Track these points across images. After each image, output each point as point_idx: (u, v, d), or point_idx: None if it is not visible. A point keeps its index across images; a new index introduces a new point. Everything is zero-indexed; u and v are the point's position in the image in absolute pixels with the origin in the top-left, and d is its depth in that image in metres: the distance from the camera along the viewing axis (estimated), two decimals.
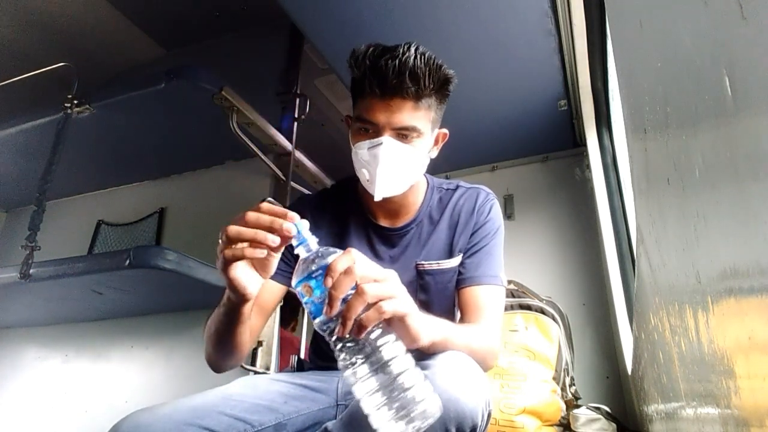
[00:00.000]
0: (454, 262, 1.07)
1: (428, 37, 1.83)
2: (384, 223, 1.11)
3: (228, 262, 0.71)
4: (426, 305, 1.08)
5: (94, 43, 2.88)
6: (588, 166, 2.24)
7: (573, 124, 2.37)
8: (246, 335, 0.89)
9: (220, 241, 0.72)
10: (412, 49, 0.92)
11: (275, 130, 2.31)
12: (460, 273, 1.07)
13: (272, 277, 1.04)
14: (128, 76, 3.02)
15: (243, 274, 0.73)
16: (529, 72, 2.04)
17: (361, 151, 0.98)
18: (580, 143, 2.45)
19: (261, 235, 0.69)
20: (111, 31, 2.85)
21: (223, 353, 0.91)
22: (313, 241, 0.70)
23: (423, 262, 1.08)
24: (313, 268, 0.67)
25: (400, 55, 0.91)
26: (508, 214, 2.57)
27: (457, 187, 1.14)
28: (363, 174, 1.00)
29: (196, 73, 2.02)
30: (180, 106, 2.16)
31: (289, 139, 2.36)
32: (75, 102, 2.06)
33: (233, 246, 0.70)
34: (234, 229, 0.70)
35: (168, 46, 3.04)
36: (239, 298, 0.77)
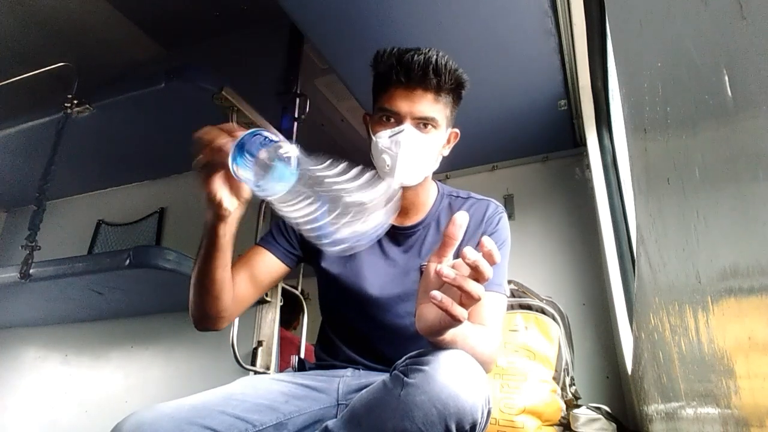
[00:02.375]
0: None
1: (428, 37, 1.83)
2: (393, 221, 1.12)
3: (203, 175, 0.75)
4: None
5: (94, 43, 2.88)
6: (588, 166, 2.24)
7: (573, 124, 2.37)
8: (225, 281, 0.91)
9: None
10: (434, 50, 1.02)
11: (275, 130, 2.31)
12: None
13: (272, 252, 1.09)
14: (128, 75, 3.02)
15: (219, 189, 0.76)
16: (529, 72, 2.04)
17: (381, 139, 1.04)
18: (580, 143, 2.45)
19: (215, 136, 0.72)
20: (111, 30, 2.85)
21: (203, 298, 0.93)
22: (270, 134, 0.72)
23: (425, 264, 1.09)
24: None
25: (424, 53, 1.01)
26: (508, 214, 2.56)
27: (469, 197, 1.19)
28: (383, 161, 1.04)
29: (196, 73, 2.02)
30: (180, 106, 2.16)
31: (289, 139, 2.35)
32: (75, 102, 2.06)
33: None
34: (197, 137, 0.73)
35: (168, 45, 3.04)
36: (215, 216, 0.80)
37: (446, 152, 1.14)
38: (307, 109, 2.43)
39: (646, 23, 0.58)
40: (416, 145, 1.02)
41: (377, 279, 1.10)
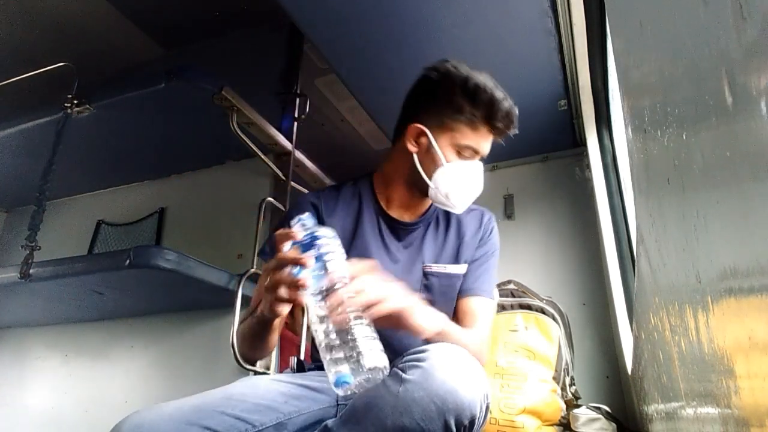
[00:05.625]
0: (459, 269, 1.15)
1: (428, 37, 1.83)
2: (394, 214, 1.17)
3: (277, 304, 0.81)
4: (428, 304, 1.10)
5: (94, 43, 2.88)
6: (588, 166, 2.24)
7: (573, 123, 2.36)
8: (275, 338, 1.02)
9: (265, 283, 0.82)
10: (502, 92, 1.11)
11: (275, 130, 2.31)
12: (462, 284, 1.15)
13: None
14: (128, 75, 3.02)
15: (284, 305, 0.82)
16: (529, 71, 2.03)
17: (460, 171, 1.10)
18: (580, 143, 2.45)
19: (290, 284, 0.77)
20: (111, 30, 2.85)
21: (258, 352, 1.05)
22: (309, 221, 0.81)
23: (430, 264, 1.14)
24: (302, 236, 0.77)
25: (507, 100, 1.11)
26: (508, 214, 2.57)
27: None
28: (454, 187, 1.09)
29: (196, 73, 2.02)
30: (180, 106, 2.16)
31: (289, 139, 2.36)
32: (75, 102, 2.06)
33: (277, 291, 0.77)
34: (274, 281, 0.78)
35: (168, 45, 3.04)
36: (274, 317, 0.86)
37: None
38: (307, 109, 2.43)
39: (646, 23, 0.58)
40: (482, 179, 1.12)
41: None
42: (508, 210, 2.58)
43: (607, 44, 1.79)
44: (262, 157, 2.23)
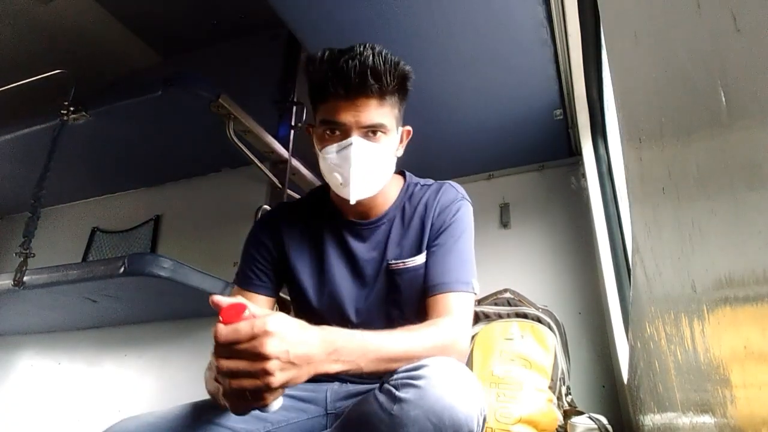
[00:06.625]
0: (420, 259, 1.04)
1: (425, 47, 1.84)
2: (353, 216, 1.09)
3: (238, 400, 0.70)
4: (398, 304, 1.05)
5: (91, 50, 2.88)
6: (584, 175, 2.25)
7: (569, 133, 2.38)
8: None
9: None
10: (369, 49, 0.92)
11: (272, 138, 2.31)
12: (427, 277, 1.01)
13: (262, 293, 1.06)
14: (125, 83, 3.03)
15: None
16: (524, 81, 2.05)
17: (329, 155, 0.96)
18: (576, 152, 2.46)
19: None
20: (108, 38, 2.86)
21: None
22: None
23: (394, 261, 1.04)
24: None
25: (359, 55, 0.91)
26: (504, 223, 2.57)
27: (433, 183, 1.13)
28: (335, 178, 0.98)
29: (193, 80, 2.03)
30: (177, 114, 2.16)
31: (286, 147, 2.36)
32: (71, 109, 2.06)
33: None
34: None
35: (165, 53, 3.05)
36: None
37: (400, 153, 1.07)
38: (304, 117, 2.43)
39: (640, 34, 0.59)
40: (367, 156, 0.95)
41: (352, 302, 1.05)
42: (504, 219, 2.58)
43: (603, 54, 1.81)
44: (259, 165, 2.23)
